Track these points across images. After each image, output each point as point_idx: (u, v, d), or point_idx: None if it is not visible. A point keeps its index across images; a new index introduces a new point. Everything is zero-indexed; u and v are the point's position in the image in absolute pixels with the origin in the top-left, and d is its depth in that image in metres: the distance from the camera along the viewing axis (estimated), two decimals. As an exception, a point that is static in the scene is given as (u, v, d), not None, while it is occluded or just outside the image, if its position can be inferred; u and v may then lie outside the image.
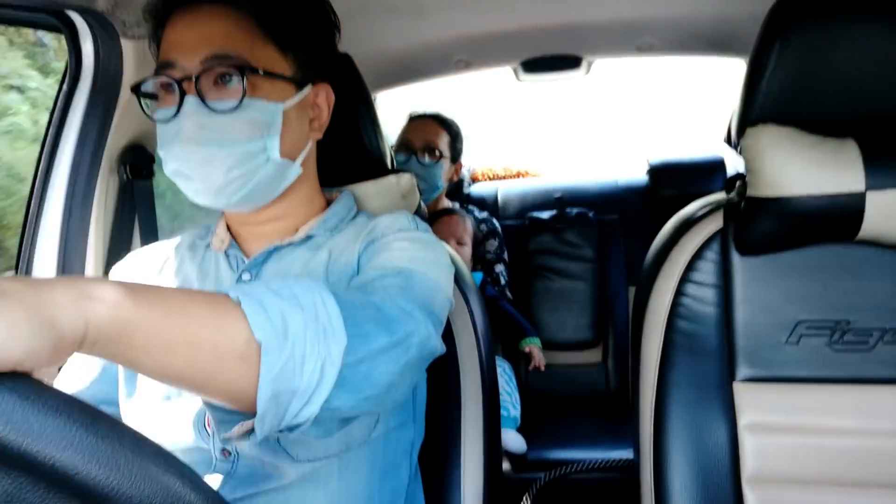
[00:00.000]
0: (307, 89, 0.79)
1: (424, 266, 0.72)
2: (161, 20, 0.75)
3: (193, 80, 0.70)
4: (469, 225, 1.87)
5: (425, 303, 0.67)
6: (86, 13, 1.04)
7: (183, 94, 0.70)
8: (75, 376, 0.82)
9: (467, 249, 1.83)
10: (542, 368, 1.92)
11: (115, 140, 1.15)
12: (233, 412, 0.54)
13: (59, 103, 1.13)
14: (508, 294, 2.01)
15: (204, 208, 0.78)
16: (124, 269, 0.88)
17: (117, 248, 1.18)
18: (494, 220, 2.09)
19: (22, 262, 1.14)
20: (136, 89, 0.76)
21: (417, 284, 0.68)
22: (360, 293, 0.65)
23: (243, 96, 0.70)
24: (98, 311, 0.42)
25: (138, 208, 1.21)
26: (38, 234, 1.13)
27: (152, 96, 0.77)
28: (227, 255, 0.82)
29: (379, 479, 0.77)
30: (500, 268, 2.01)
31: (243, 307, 0.50)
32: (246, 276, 0.79)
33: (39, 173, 1.13)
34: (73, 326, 0.41)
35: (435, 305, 0.69)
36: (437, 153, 1.87)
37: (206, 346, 0.48)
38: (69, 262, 1.13)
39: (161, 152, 0.74)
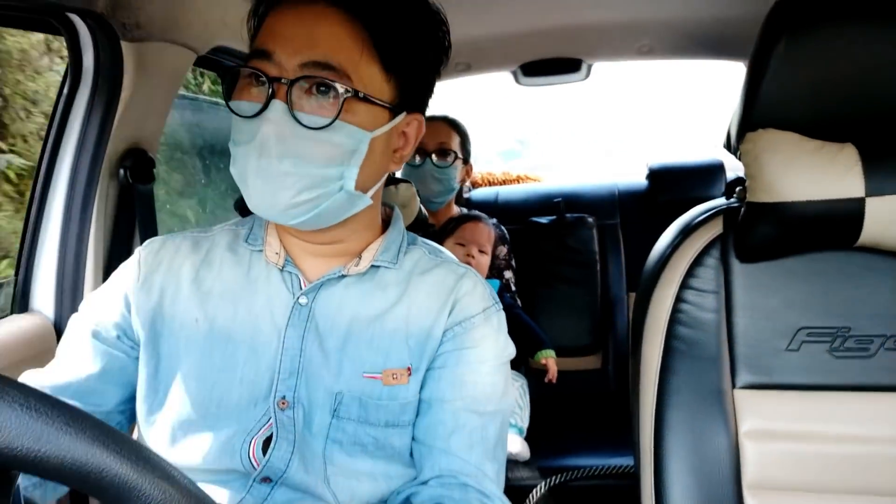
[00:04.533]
0: (400, 117, 0.71)
1: (505, 390, 0.77)
2: (270, 2, 0.68)
3: (287, 84, 0.64)
4: (492, 233, 1.85)
5: (503, 461, 0.78)
6: (85, 16, 1.04)
7: (272, 95, 0.64)
8: (71, 370, 0.74)
9: (487, 258, 1.81)
10: (554, 381, 1.89)
11: (116, 143, 1.15)
12: None
13: (59, 106, 1.12)
14: (518, 301, 2.00)
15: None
16: (157, 257, 0.77)
17: (117, 253, 1.17)
18: (502, 227, 2.08)
19: (22, 265, 1.14)
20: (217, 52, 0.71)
21: (503, 439, 0.77)
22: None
23: (336, 117, 0.64)
24: None
25: (138, 212, 1.21)
26: (38, 237, 1.13)
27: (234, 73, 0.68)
28: (282, 271, 0.75)
29: None
30: (508, 274, 2.00)
31: None
32: (303, 300, 0.74)
33: (40, 177, 1.12)
34: None
35: (503, 449, 0.79)
36: (451, 155, 1.87)
37: None
38: (69, 265, 1.12)
39: (232, 149, 0.68)
